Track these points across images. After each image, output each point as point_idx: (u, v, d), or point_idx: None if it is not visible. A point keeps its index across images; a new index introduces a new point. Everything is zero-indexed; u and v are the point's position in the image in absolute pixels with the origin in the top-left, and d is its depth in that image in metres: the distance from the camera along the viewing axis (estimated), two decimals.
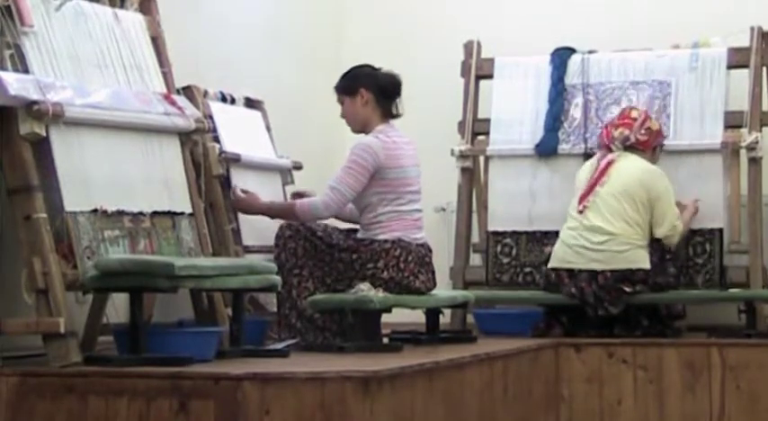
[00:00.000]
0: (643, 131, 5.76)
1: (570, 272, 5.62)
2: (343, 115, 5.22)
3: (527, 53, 6.30)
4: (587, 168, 5.78)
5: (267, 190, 5.37)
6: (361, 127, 5.19)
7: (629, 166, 5.68)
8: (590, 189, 5.67)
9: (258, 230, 5.26)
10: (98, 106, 4.35)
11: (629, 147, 5.73)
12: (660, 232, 5.64)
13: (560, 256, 5.66)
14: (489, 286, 6.09)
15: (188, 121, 4.72)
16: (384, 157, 5.05)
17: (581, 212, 5.66)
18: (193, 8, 5.67)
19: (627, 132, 5.74)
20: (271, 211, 5.19)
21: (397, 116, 5.19)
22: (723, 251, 5.87)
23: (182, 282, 4.07)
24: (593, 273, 5.57)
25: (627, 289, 5.56)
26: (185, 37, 5.31)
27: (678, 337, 5.64)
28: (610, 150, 5.74)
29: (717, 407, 5.37)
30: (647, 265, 5.57)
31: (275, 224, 5.22)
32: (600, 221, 5.60)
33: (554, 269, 5.67)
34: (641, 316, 5.66)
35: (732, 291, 5.75)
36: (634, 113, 5.82)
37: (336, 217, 5.28)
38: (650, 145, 5.78)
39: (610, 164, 5.69)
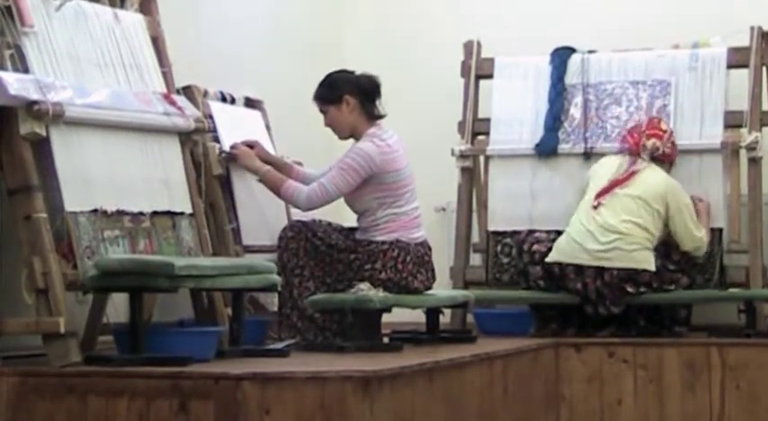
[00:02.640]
0: (670, 145, 5.80)
1: (578, 267, 5.62)
2: (329, 124, 5.19)
3: (527, 53, 6.30)
4: (609, 166, 5.76)
5: (267, 189, 5.36)
6: (349, 133, 5.18)
7: (654, 177, 5.69)
8: (611, 187, 5.67)
9: (258, 230, 5.27)
10: (98, 106, 4.35)
11: (654, 159, 5.74)
12: (687, 246, 5.66)
13: (568, 252, 5.65)
14: (489, 286, 6.09)
15: (188, 121, 4.72)
16: (381, 163, 5.05)
17: (596, 207, 5.65)
18: (193, 8, 5.67)
19: (658, 144, 5.75)
20: (263, 176, 5.12)
21: (381, 117, 5.17)
22: (723, 250, 5.87)
23: (182, 281, 4.07)
24: (600, 270, 5.58)
25: (630, 289, 5.57)
26: (185, 37, 5.31)
27: (678, 337, 5.64)
28: (636, 157, 5.74)
29: (717, 407, 5.37)
30: (652, 267, 5.58)
31: (274, 224, 5.22)
32: (613, 219, 5.60)
33: (558, 263, 5.66)
34: (639, 316, 5.67)
35: (732, 290, 5.75)
36: (663, 125, 5.83)
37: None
38: (672, 158, 5.81)
39: (636, 172, 5.69)
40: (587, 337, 5.62)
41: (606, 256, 5.59)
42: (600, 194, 5.68)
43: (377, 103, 5.15)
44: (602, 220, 5.62)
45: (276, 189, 5.12)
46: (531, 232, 5.90)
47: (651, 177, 5.69)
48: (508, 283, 6.03)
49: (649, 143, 5.75)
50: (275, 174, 5.15)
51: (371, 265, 5.03)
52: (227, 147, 5.16)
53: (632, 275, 5.57)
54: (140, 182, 4.49)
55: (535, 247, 5.77)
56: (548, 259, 5.68)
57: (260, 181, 5.15)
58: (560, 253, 5.67)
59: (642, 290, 5.58)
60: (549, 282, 5.69)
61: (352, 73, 5.18)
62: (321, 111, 5.18)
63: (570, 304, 5.68)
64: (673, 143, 5.82)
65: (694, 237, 5.67)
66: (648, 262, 5.59)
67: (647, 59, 6.15)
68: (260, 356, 4.43)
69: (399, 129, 5.24)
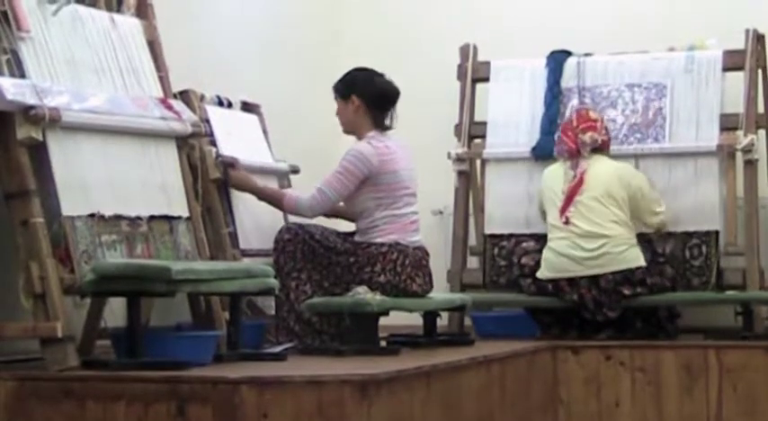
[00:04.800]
0: (604, 132, 5.82)
1: (570, 280, 5.62)
2: (336, 114, 5.25)
3: (523, 56, 6.31)
4: (558, 177, 5.75)
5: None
6: (350, 130, 5.23)
7: (604, 167, 5.71)
8: (569, 199, 5.68)
9: (255, 234, 5.27)
10: (95, 111, 4.35)
11: (595, 150, 5.76)
12: (651, 222, 5.68)
13: (557, 266, 5.65)
14: (487, 289, 6.10)
15: (185, 126, 4.73)
16: (377, 163, 5.07)
17: (566, 223, 5.66)
18: (190, 12, 5.68)
19: (596, 135, 5.76)
20: (262, 193, 5.19)
21: (387, 128, 5.19)
22: (719, 253, 5.88)
23: (179, 286, 4.07)
24: (594, 278, 5.59)
25: (626, 292, 5.57)
26: (182, 41, 5.32)
27: (672, 339, 5.65)
28: (578, 155, 5.74)
29: (714, 410, 5.37)
30: (643, 263, 5.60)
31: (271, 227, 5.23)
32: (590, 226, 5.62)
33: (551, 280, 5.66)
34: (636, 318, 5.68)
35: (729, 293, 5.75)
36: (592, 115, 5.85)
37: (325, 215, 5.31)
38: (609, 145, 5.84)
39: (584, 172, 5.70)
40: (585, 340, 5.62)
41: (597, 263, 5.59)
42: (563, 209, 5.68)
43: (387, 113, 5.18)
44: (580, 230, 5.63)
45: (278, 203, 5.17)
46: (518, 243, 5.90)
47: (601, 169, 5.70)
48: (505, 286, 6.03)
49: (587, 137, 5.76)
50: (272, 189, 5.21)
51: (371, 268, 5.03)
52: (223, 152, 5.17)
53: (627, 276, 5.58)
54: (137, 186, 4.49)
55: (524, 260, 5.77)
56: (539, 276, 5.69)
57: (260, 200, 5.18)
58: (551, 269, 5.67)
59: (639, 290, 5.58)
60: (543, 296, 5.70)
61: (376, 75, 5.21)
62: (335, 99, 5.23)
63: (567, 308, 5.68)
64: (606, 129, 5.83)
65: (656, 211, 5.70)
66: (639, 258, 5.61)
67: (643, 62, 6.16)
68: (257, 360, 4.43)
69: (396, 133, 5.26)
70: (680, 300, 5.72)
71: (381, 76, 5.22)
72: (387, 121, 5.19)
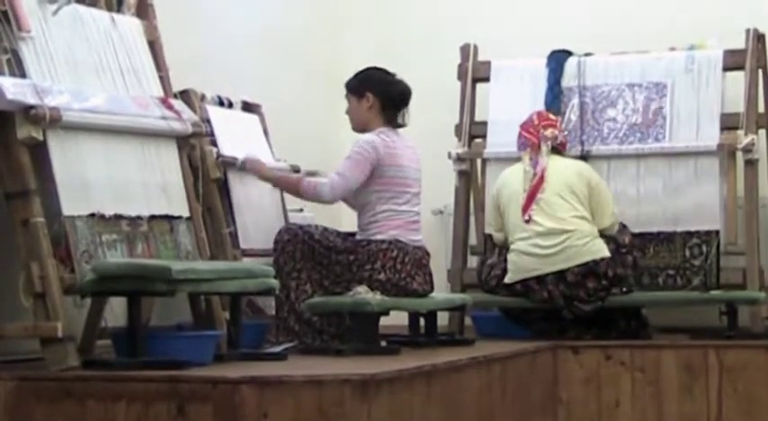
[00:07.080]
0: (564, 133, 5.85)
1: (538, 279, 5.62)
2: (347, 112, 5.26)
3: (523, 56, 6.31)
4: (516, 178, 5.73)
5: (265, 193, 5.38)
6: (362, 128, 5.24)
7: (563, 164, 5.73)
8: (531, 198, 5.67)
9: (256, 234, 5.27)
10: (95, 110, 4.35)
11: (553, 150, 5.77)
12: (603, 223, 5.68)
13: (524, 266, 5.63)
14: None
15: (185, 125, 4.73)
16: (384, 154, 5.10)
17: (528, 222, 5.65)
18: (190, 12, 5.68)
19: (556, 132, 5.79)
20: (277, 181, 5.23)
21: (400, 125, 5.22)
22: (720, 253, 5.88)
23: (179, 285, 4.08)
24: (560, 274, 5.58)
25: (591, 284, 5.55)
26: (182, 41, 5.32)
27: (649, 339, 5.66)
28: (538, 150, 5.74)
29: (714, 409, 5.37)
30: (607, 253, 5.59)
31: (272, 227, 5.23)
32: (551, 223, 5.61)
33: (520, 281, 5.65)
34: (619, 317, 5.67)
35: (713, 292, 5.73)
36: (552, 115, 5.88)
37: (348, 204, 5.31)
38: (566, 147, 5.87)
39: (544, 170, 5.69)
40: (575, 340, 5.62)
41: (562, 257, 5.58)
42: (525, 208, 5.67)
43: (401, 111, 5.21)
44: (542, 228, 5.61)
45: (295, 188, 5.16)
46: (483, 261, 5.89)
47: (560, 167, 5.71)
48: None
49: (548, 132, 5.77)
50: (287, 175, 5.22)
51: (371, 266, 5.04)
52: (224, 151, 5.18)
53: (592, 268, 5.56)
54: (138, 186, 4.49)
55: (493, 273, 5.76)
56: (506, 280, 5.68)
57: (275, 186, 5.20)
58: (516, 270, 5.66)
59: (603, 282, 5.57)
60: (515, 299, 5.69)
61: (389, 75, 5.25)
62: (346, 97, 5.25)
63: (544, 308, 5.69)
64: (564, 131, 5.87)
65: (611, 213, 5.71)
66: (603, 249, 5.60)
67: (644, 62, 6.16)
68: (258, 360, 4.43)
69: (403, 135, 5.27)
70: (665, 301, 5.72)
71: (393, 75, 5.26)
72: (399, 119, 5.22)
